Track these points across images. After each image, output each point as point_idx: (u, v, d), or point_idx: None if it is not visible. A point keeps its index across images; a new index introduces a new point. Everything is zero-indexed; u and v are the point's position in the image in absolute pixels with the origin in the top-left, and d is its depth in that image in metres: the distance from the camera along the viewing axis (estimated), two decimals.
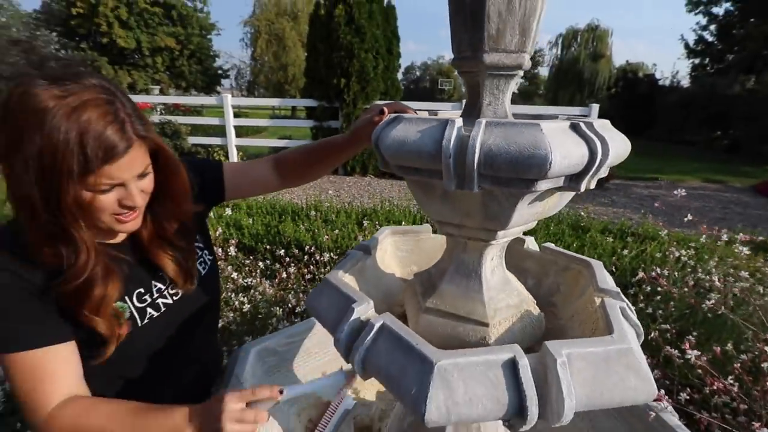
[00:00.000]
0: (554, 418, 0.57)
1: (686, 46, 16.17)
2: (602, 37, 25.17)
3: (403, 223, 3.12)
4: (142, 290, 0.80)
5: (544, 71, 37.19)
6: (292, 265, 2.49)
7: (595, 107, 6.75)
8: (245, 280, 2.22)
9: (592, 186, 0.63)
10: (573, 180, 0.60)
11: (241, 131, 8.72)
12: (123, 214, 0.69)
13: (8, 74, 7.97)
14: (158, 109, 8.36)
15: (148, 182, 0.71)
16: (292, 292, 2.25)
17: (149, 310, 0.80)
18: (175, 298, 0.86)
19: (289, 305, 2.13)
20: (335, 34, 7.44)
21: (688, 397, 1.26)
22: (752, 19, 12.82)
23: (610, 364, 0.60)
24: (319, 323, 1.41)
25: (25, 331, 0.65)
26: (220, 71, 24.50)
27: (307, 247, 2.69)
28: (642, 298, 2.00)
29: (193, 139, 8.31)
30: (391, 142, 0.62)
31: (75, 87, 0.61)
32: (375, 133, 0.71)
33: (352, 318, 0.69)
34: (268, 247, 2.66)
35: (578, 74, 24.55)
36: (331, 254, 2.59)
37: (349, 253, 0.94)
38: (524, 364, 0.57)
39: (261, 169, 1.00)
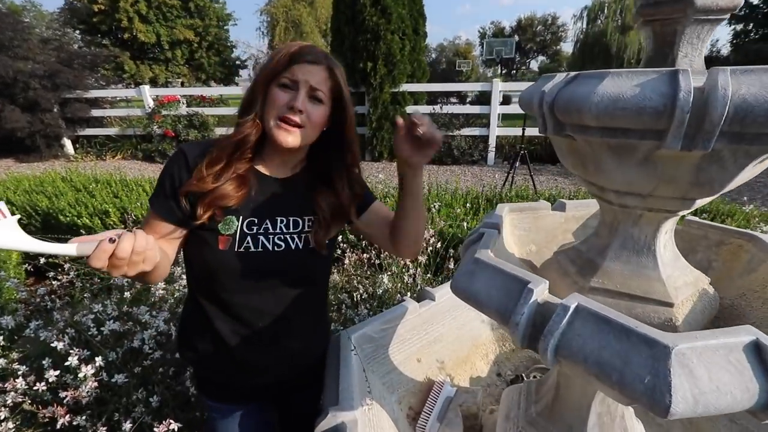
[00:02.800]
0: None
1: None
2: (632, 6, 23.77)
3: (456, 206, 3.03)
4: (254, 220, 0.87)
5: (567, 47, 35.84)
6: (349, 249, 2.45)
7: None
8: None
9: None
10: None
11: None
12: (286, 119, 0.81)
13: (41, 72, 8.13)
14: (184, 102, 8.41)
15: (318, 113, 0.84)
16: (357, 279, 2.21)
17: (249, 240, 0.86)
18: (276, 248, 0.88)
19: (357, 294, 2.10)
20: (360, 16, 7.27)
21: None
22: None
23: None
24: (414, 309, 1.38)
25: (164, 201, 0.82)
26: (238, 62, 24.54)
27: None
28: None
29: (220, 130, 8.38)
30: (599, 99, 0.54)
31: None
32: (550, 94, 0.63)
33: (531, 300, 0.63)
34: None
35: (605, 48, 23.41)
36: None
37: (485, 231, 0.87)
38: None
39: (388, 217, 1.02)
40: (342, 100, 0.87)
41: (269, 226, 0.88)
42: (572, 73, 0.63)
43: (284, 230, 0.89)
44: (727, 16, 0.60)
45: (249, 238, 0.86)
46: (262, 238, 0.87)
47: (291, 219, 0.90)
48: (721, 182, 0.57)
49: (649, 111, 0.51)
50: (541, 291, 0.64)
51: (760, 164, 0.57)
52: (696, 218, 0.94)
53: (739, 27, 15.14)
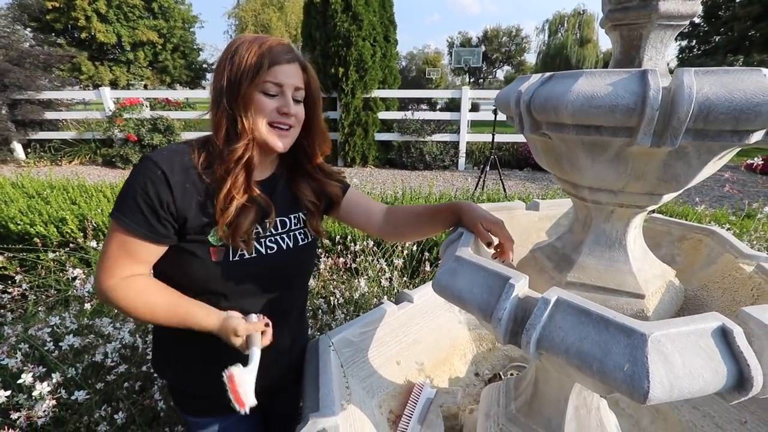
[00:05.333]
0: None
1: None
2: (588, 21, 25.25)
3: None
4: None
5: (530, 58, 37.32)
6: (324, 254, 2.43)
7: None
8: None
9: None
10: None
11: None
12: (279, 123, 0.81)
13: None
14: (147, 105, 8.06)
15: (302, 111, 0.85)
16: (333, 284, 2.19)
17: (242, 247, 0.84)
18: (269, 251, 0.88)
19: (334, 299, 2.07)
20: (332, 22, 7.28)
21: None
22: (738, 0, 12.97)
23: None
24: (392, 311, 1.37)
25: (143, 218, 0.75)
26: (205, 65, 23.89)
27: (338, 237, 2.62)
28: None
29: (186, 135, 8.10)
30: (575, 97, 0.56)
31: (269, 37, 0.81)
32: (526, 94, 0.65)
33: (513, 295, 0.64)
34: None
35: (566, 60, 24.62)
36: (363, 242, 2.52)
37: (464, 230, 0.88)
38: (739, 332, 0.53)
39: (374, 207, 1.06)
40: (311, 89, 0.87)
41: (259, 230, 0.87)
42: (547, 74, 0.65)
43: (273, 232, 0.89)
44: (687, 22, 0.64)
45: (242, 245, 0.84)
46: (254, 243, 0.86)
47: (278, 220, 0.90)
48: (686, 177, 0.60)
49: (621, 108, 0.54)
50: (522, 286, 0.65)
51: (719, 160, 0.61)
52: (660, 215, 1.00)
53: (684, 43, 16.35)
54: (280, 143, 0.83)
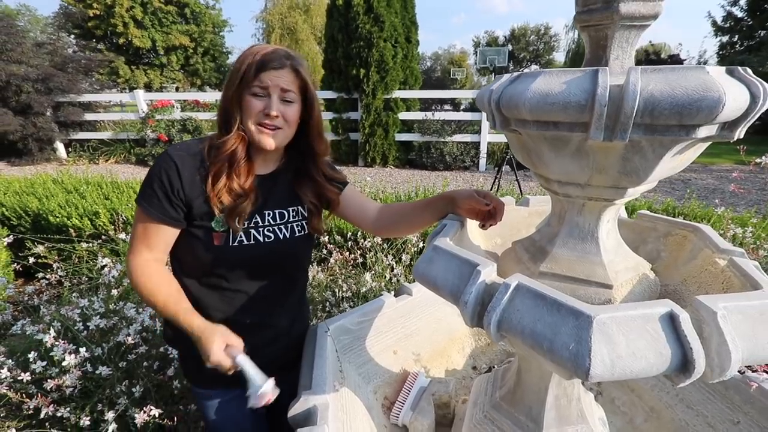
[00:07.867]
0: (716, 373, 0.56)
1: (714, 23, 15.50)
2: None
3: None
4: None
5: (559, 57, 36.36)
6: (336, 250, 2.50)
7: None
8: None
9: (742, 135, 0.60)
10: (727, 127, 0.58)
11: None
12: (264, 125, 0.88)
13: (35, 76, 8.15)
14: (178, 106, 8.44)
15: (292, 112, 0.90)
16: (342, 277, 2.26)
17: (241, 234, 0.93)
18: (267, 239, 0.96)
19: (341, 291, 2.14)
20: (354, 23, 7.38)
21: None
22: None
23: (766, 316, 0.58)
24: (391, 303, 1.43)
25: (158, 203, 0.86)
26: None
27: (349, 233, 2.69)
28: None
29: None
30: (532, 95, 0.60)
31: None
32: (496, 92, 0.70)
33: (479, 281, 0.68)
34: None
35: None
36: (374, 239, 2.59)
37: (448, 223, 0.93)
38: (685, 317, 0.55)
39: (368, 204, 1.13)
40: (308, 93, 0.93)
41: (258, 219, 0.95)
42: (516, 73, 0.69)
43: (271, 222, 0.97)
44: (651, 22, 0.66)
45: (241, 233, 0.93)
46: (253, 231, 0.95)
47: (277, 212, 0.98)
48: (645, 171, 0.63)
49: (573, 105, 0.57)
50: (488, 273, 0.70)
51: (678, 155, 0.63)
52: (648, 212, 1.01)
53: (725, 39, 15.47)
54: (267, 142, 0.89)
